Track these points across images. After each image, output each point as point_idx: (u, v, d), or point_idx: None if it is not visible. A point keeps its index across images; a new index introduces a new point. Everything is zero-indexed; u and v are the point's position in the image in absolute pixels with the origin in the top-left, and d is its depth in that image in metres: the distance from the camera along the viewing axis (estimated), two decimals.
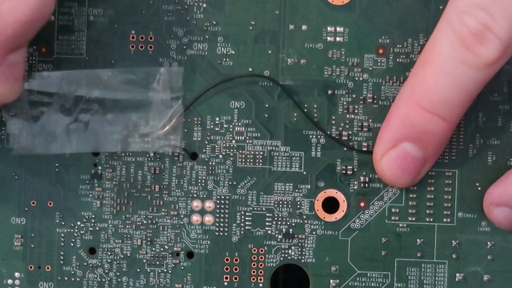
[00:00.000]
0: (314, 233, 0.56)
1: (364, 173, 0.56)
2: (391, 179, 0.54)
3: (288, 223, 0.56)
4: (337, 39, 0.55)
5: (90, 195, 0.57)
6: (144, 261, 0.57)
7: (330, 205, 0.56)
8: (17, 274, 0.57)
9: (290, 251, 0.56)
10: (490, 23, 0.47)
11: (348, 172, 0.56)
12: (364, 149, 0.56)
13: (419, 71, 0.50)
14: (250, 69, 0.56)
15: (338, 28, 0.55)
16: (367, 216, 0.56)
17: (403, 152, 0.52)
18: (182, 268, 0.57)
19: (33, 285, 0.57)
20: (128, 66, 0.56)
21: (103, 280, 0.57)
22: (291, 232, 0.56)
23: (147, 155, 0.56)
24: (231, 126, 0.56)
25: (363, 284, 0.56)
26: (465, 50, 0.48)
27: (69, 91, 0.55)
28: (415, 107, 0.50)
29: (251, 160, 0.56)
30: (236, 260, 0.57)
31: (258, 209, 0.56)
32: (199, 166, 0.56)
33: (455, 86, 0.49)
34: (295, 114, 0.56)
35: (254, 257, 0.57)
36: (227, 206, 0.57)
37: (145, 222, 0.57)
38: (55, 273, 0.57)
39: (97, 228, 0.57)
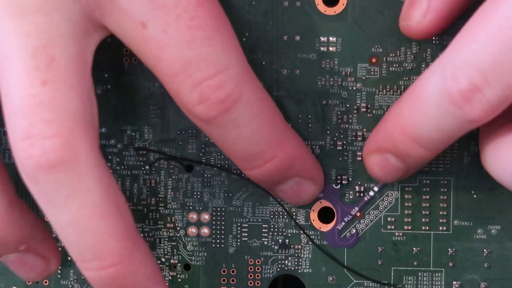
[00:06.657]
0: (310, 243, 0.56)
1: (359, 183, 0.56)
2: (373, 176, 0.54)
3: (284, 234, 0.56)
4: (330, 49, 0.55)
5: None
6: None
7: (326, 215, 0.56)
8: None
9: (286, 261, 0.56)
10: (482, 85, 0.46)
11: (343, 181, 0.56)
12: (359, 158, 0.56)
13: (409, 101, 0.50)
14: None
15: (331, 38, 0.55)
16: (363, 226, 0.56)
17: (385, 160, 0.52)
18: (179, 280, 0.57)
19: None
20: (122, 80, 0.56)
21: None
22: (287, 243, 0.56)
23: (143, 168, 0.56)
24: None
25: None
26: (451, 105, 0.47)
27: None
28: (399, 130, 0.50)
29: None
30: (233, 271, 0.57)
31: (254, 220, 0.56)
32: (194, 178, 0.57)
33: (440, 129, 0.48)
34: (290, 125, 0.56)
35: (251, 268, 0.57)
36: (223, 218, 0.57)
37: (141, 235, 0.57)
38: (53, 287, 0.57)
39: None
